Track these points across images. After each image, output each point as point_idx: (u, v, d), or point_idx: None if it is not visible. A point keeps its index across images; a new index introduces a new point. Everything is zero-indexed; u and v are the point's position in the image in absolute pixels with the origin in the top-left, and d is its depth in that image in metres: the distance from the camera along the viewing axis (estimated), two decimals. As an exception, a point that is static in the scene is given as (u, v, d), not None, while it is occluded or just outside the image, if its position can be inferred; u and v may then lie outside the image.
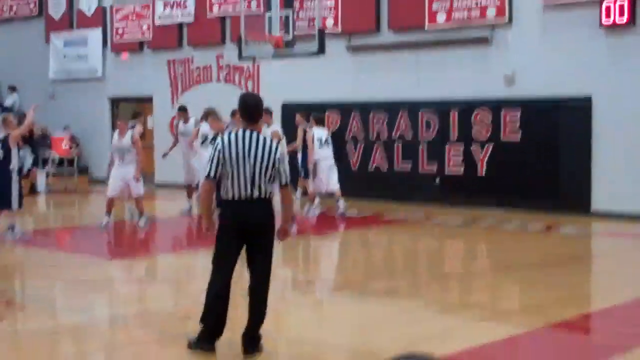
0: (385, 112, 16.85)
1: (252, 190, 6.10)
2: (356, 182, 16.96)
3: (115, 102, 22.76)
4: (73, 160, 21.33)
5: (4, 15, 25.38)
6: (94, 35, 22.78)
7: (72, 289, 9.16)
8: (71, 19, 23.54)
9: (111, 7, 22.36)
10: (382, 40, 17.08)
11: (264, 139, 6.26)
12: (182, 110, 15.85)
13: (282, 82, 18.26)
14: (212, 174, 6.14)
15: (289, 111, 18.10)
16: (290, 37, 14.33)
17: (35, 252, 11.61)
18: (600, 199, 14.43)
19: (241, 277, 6.59)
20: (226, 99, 15.19)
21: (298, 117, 15.73)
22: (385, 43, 16.99)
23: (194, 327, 6.36)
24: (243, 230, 6.12)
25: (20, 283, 9.44)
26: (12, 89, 24.80)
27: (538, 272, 9.91)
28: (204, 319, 6.23)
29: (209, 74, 20.23)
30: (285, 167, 6.31)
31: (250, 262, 6.25)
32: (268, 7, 17.26)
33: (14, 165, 11.89)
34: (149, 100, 21.44)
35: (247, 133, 6.19)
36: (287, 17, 14.53)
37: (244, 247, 6.23)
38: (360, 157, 17.18)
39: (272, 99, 18.01)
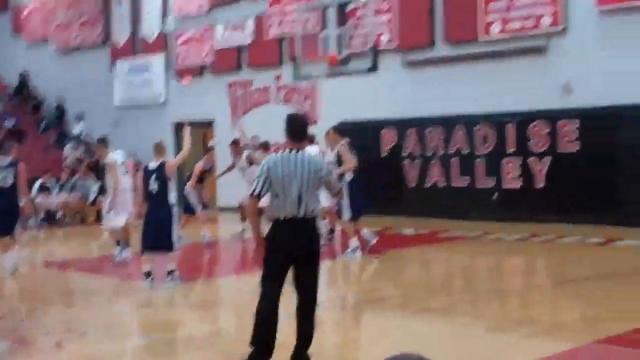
0: (441, 127, 16.89)
1: (298, 209, 6.24)
2: (413, 199, 16.97)
3: (178, 127, 23.18)
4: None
5: (71, 45, 26.18)
6: (157, 61, 23.39)
7: (135, 312, 9.46)
8: (135, 46, 24.18)
9: (173, 33, 22.87)
10: (437, 54, 17.16)
11: (309, 156, 6.39)
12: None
13: (340, 100, 18.47)
14: (257, 191, 6.28)
15: (346, 130, 18.15)
16: (344, 54, 14.47)
17: (96, 279, 12.00)
18: (663, 209, 14.14)
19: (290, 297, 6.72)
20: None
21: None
22: (440, 57, 17.07)
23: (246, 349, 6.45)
24: (290, 250, 6.25)
25: (86, 309, 9.75)
26: (79, 117, 25.55)
27: (596, 287, 9.80)
28: (253, 341, 6.35)
29: (268, 95, 20.52)
30: (334, 178, 6.53)
31: (298, 282, 6.36)
32: (324, 26, 17.63)
33: (173, 198, 10.35)
34: (210, 124, 21.85)
35: (293, 153, 6.33)
36: (341, 36, 14.68)
37: (292, 268, 6.34)
38: (418, 174, 17.20)
39: (330, 118, 18.24)
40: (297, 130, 6.46)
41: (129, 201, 12.81)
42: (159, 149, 10.51)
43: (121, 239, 12.79)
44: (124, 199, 12.71)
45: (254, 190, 6.31)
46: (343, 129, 17.99)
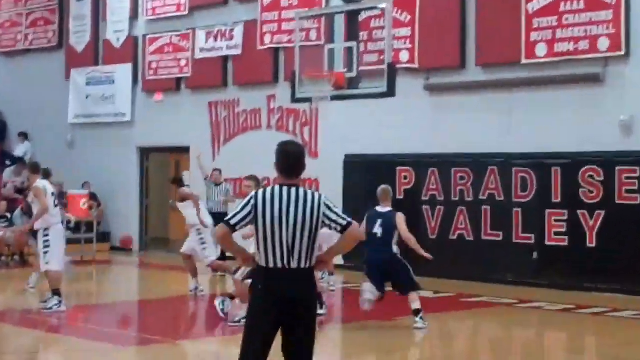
0: (470, 167, 16.88)
1: (289, 258, 6.21)
2: (434, 253, 16.73)
3: (145, 153, 23.15)
4: (92, 223, 21.65)
5: (18, 47, 26.21)
6: (123, 71, 23.40)
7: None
8: (96, 52, 24.24)
9: (144, 37, 22.95)
10: (467, 78, 17.17)
11: (305, 194, 6.34)
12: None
13: (345, 129, 18.45)
14: (234, 221, 6.27)
15: (353, 166, 18.18)
16: (354, 74, 14.52)
17: (40, 336, 11.91)
18: None
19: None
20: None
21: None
22: (471, 82, 17.08)
23: None
24: (278, 307, 6.21)
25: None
26: (24, 136, 25.44)
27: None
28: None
29: (257, 119, 20.53)
30: (336, 212, 6.35)
31: (286, 347, 6.30)
32: (330, 38, 17.65)
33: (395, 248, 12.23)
34: (185, 150, 21.83)
35: (286, 190, 6.31)
36: (351, 50, 14.69)
37: (280, 329, 6.28)
38: (440, 223, 17.17)
39: (333, 150, 18.26)
40: (291, 163, 6.42)
41: (62, 240, 13.35)
42: (387, 194, 12.50)
43: (51, 286, 13.13)
44: (58, 237, 13.20)
45: (230, 219, 6.30)
46: (350, 163, 18.24)
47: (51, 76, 25.00)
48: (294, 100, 15.87)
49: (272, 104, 20.21)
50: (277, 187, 6.33)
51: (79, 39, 24.63)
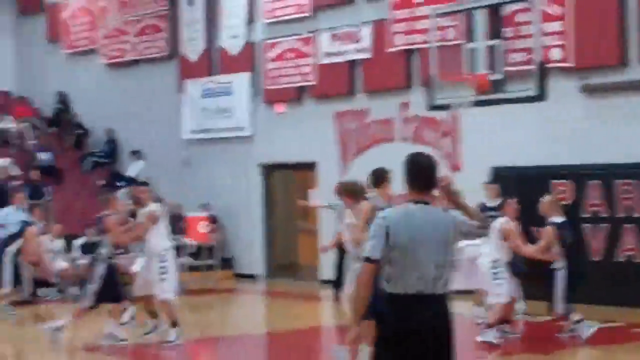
0: (638, 178, 16.59)
1: (434, 284, 6.22)
2: (598, 277, 16.52)
3: (267, 170, 23.32)
4: (213, 248, 21.83)
5: (126, 57, 26.70)
6: (240, 81, 23.63)
7: None
8: (211, 61, 24.53)
9: (262, 43, 23.12)
10: (630, 77, 16.89)
11: (438, 212, 6.37)
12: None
13: (491, 139, 18.31)
14: (375, 256, 6.25)
15: (501, 180, 17.98)
16: (499, 75, 14.44)
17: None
18: None
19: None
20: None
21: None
22: (635, 81, 16.78)
23: None
24: (413, 339, 6.17)
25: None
26: (136, 154, 25.80)
27: None
28: None
29: (390, 130, 20.48)
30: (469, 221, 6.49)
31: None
32: (470, 36, 17.53)
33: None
34: (310, 167, 21.96)
35: (419, 208, 6.32)
36: (494, 49, 14.59)
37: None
38: (605, 243, 16.89)
39: (477, 162, 18.08)
40: (424, 176, 6.44)
41: (173, 268, 13.76)
42: (558, 204, 13.86)
43: (168, 317, 13.48)
44: (174, 263, 13.78)
45: (371, 253, 6.28)
46: (497, 177, 18.04)
47: (163, 88, 25.47)
48: (431, 107, 15.91)
49: (406, 112, 20.14)
50: (410, 205, 6.35)
51: (192, 47, 24.93)
